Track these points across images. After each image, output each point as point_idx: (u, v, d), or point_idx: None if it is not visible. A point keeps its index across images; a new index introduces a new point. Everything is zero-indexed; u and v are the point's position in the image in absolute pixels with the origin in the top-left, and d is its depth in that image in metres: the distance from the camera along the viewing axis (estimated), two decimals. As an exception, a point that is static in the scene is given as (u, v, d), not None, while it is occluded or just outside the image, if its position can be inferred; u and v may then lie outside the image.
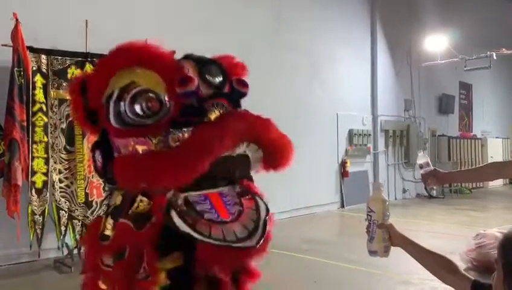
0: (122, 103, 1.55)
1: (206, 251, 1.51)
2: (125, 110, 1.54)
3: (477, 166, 2.83)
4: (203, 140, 1.50)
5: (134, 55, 1.63)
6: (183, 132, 1.56)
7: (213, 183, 1.61)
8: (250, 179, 1.78)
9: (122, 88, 1.56)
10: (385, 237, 1.70)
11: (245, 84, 1.78)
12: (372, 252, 1.73)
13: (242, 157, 1.67)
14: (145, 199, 1.57)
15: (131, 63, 1.61)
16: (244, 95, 1.79)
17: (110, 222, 1.67)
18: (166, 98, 1.56)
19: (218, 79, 1.73)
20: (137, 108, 1.54)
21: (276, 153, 1.72)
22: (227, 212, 1.58)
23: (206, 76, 1.70)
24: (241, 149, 1.63)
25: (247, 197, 1.68)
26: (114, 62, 1.63)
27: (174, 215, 1.51)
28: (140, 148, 1.54)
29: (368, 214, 1.74)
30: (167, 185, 1.51)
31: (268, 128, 1.68)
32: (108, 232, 1.66)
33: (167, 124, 1.56)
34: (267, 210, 1.69)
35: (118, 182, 1.58)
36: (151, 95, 1.55)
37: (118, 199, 1.69)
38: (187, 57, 1.80)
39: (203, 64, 1.74)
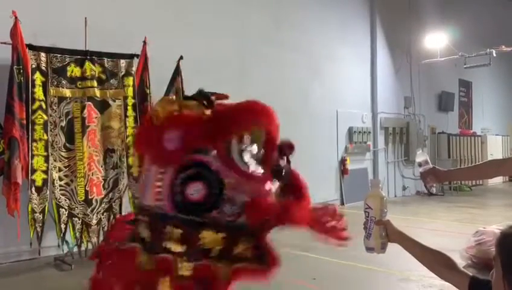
0: (244, 146, 1.72)
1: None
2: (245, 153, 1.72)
3: (477, 164, 2.84)
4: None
5: (259, 115, 1.77)
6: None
7: None
8: None
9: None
10: (382, 234, 1.71)
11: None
12: (369, 249, 1.74)
13: None
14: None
15: (256, 122, 1.77)
16: None
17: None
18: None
19: None
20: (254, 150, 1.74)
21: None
22: None
23: None
24: None
25: None
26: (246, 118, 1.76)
27: None
28: (271, 193, 1.73)
29: (365, 211, 1.74)
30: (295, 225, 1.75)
31: None
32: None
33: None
34: None
35: (257, 221, 1.68)
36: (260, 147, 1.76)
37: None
38: None
39: None
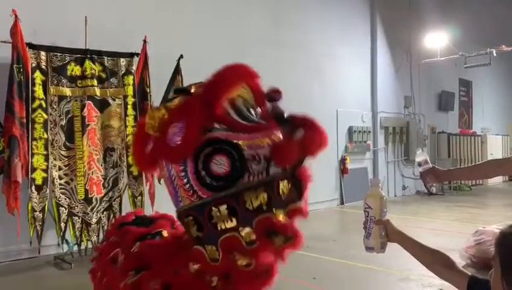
0: (239, 106, 1.79)
1: None
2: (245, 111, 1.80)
3: (477, 163, 2.83)
4: None
5: (243, 75, 1.85)
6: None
7: None
8: None
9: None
10: (382, 233, 1.71)
11: None
12: (368, 249, 1.74)
13: None
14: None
15: (240, 82, 1.84)
16: None
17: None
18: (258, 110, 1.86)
19: None
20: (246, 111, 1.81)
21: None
22: None
23: None
24: None
25: None
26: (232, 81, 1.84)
27: None
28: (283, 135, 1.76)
29: (365, 210, 1.74)
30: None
31: None
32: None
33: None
34: None
35: (289, 162, 1.72)
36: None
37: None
38: None
39: None
